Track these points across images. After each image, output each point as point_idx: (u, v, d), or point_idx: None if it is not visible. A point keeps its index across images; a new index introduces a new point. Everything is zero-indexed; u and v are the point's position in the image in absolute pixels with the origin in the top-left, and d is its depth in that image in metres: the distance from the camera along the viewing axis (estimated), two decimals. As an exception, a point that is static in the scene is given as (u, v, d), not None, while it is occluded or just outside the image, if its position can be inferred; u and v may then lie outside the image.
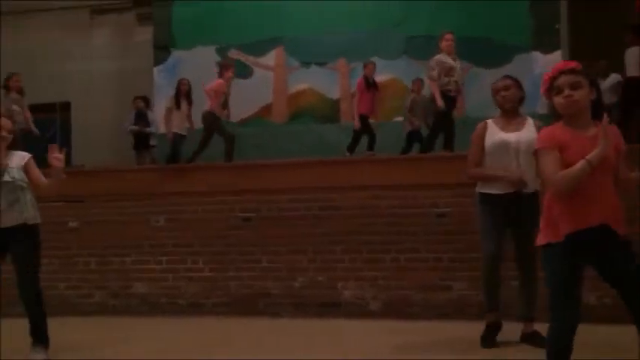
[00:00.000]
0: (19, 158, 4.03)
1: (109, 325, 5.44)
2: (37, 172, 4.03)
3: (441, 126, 6.73)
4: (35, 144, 7.91)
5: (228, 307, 5.69)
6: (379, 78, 8.40)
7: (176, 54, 9.66)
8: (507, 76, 4.14)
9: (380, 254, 5.45)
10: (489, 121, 4.05)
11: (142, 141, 9.06)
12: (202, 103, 7.62)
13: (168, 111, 7.91)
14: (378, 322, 5.18)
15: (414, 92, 8.28)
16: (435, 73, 6.61)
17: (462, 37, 7.38)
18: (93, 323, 5.51)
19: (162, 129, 8.93)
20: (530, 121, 4.00)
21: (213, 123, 7.25)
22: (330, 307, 5.50)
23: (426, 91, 7.79)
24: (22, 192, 3.97)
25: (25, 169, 4.01)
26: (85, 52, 10.47)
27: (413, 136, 7.98)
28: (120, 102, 10.24)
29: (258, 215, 5.76)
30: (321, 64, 9.41)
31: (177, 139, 7.69)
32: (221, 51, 9.46)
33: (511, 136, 3.92)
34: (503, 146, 3.92)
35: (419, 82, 8.21)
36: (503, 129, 3.97)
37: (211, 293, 5.75)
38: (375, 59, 8.37)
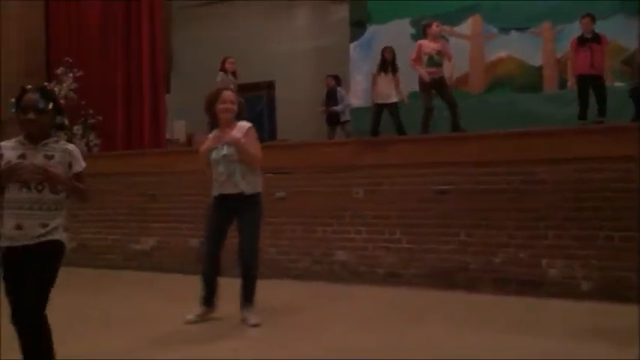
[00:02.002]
0: (239, 130, 4.32)
1: (313, 289, 5.80)
2: (251, 142, 4.30)
3: None
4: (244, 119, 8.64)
5: (425, 278, 5.72)
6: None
7: (372, 29, 9.80)
8: None
9: (591, 231, 5.05)
10: None
11: (333, 118, 9.35)
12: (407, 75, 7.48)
13: (374, 77, 7.78)
14: (586, 304, 4.84)
15: None
16: None
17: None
18: (300, 287, 5.92)
19: (357, 103, 9.15)
20: None
21: (423, 87, 7.04)
22: (532, 285, 5.26)
23: None
24: (238, 164, 4.25)
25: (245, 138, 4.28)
26: (286, 33, 11.10)
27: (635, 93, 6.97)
28: (318, 79, 10.70)
29: (456, 188, 5.67)
30: (521, 30, 8.87)
31: (379, 110, 7.57)
32: (416, 23, 9.38)
33: None
34: None
35: None
36: None
37: (409, 264, 5.82)
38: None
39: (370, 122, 7.52)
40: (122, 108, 8.89)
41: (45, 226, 2.61)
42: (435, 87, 7.03)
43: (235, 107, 4.35)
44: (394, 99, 7.50)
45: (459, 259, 5.59)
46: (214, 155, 4.32)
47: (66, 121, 2.51)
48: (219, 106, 4.32)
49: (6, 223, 2.61)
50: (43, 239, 2.61)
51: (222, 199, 4.33)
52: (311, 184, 6.35)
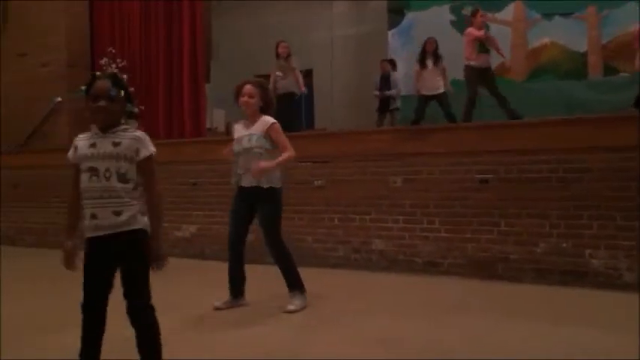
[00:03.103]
0: (262, 124, 4.35)
1: (351, 278, 5.81)
2: (280, 138, 4.34)
3: None
4: (288, 107, 8.66)
5: (464, 268, 5.67)
6: (636, 26, 7.42)
7: (410, 16, 9.69)
8: None
9: (635, 222, 4.92)
10: None
11: (384, 104, 9.29)
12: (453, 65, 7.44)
13: (417, 72, 7.72)
14: (631, 295, 4.72)
15: None
16: None
17: None
18: (337, 275, 5.94)
19: (405, 91, 9.08)
20: None
21: (469, 77, 7.01)
22: (575, 276, 5.17)
23: None
24: (259, 158, 4.27)
25: (268, 134, 4.32)
26: (325, 21, 11.07)
27: None
28: (357, 67, 10.66)
29: (497, 177, 5.59)
30: (565, 15, 8.64)
31: (423, 101, 7.54)
32: (455, 9, 9.24)
33: None
34: None
35: None
36: None
37: (447, 254, 5.78)
38: (631, 5, 7.42)
39: (415, 112, 7.47)
40: (163, 97, 9.04)
41: (119, 214, 2.55)
42: (481, 76, 6.94)
43: (256, 100, 4.37)
44: (441, 89, 7.43)
45: (499, 249, 5.52)
46: (236, 147, 4.40)
47: (136, 110, 2.55)
48: (240, 100, 4.38)
49: (85, 214, 2.61)
50: (119, 230, 2.56)
51: (242, 190, 4.40)
52: (349, 173, 6.35)
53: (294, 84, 8.26)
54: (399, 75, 9.50)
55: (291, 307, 4.35)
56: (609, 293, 4.83)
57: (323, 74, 11.10)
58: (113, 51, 8.81)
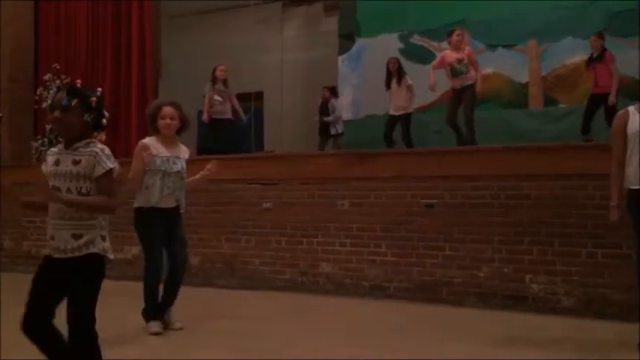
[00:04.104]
0: (185, 152, 4.49)
1: (297, 301, 5.77)
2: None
3: None
4: (231, 131, 8.64)
5: (410, 292, 5.72)
6: (573, 59, 7.80)
7: (360, 42, 9.84)
8: None
9: (574, 248, 5.10)
10: (629, 109, 3.82)
11: (325, 129, 9.43)
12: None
13: (391, 93, 7.85)
14: (569, 320, 4.87)
15: None
16: None
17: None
18: (283, 298, 5.89)
19: (348, 116, 9.21)
20: None
21: (449, 99, 7.14)
22: (516, 300, 5.29)
23: None
24: (182, 182, 4.40)
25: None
26: (276, 43, 11.13)
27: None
28: (307, 90, 10.74)
29: (442, 202, 5.70)
30: (508, 47, 8.97)
31: (392, 122, 7.64)
32: (404, 38, 9.45)
33: None
34: None
35: None
36: None
37: (394, 277, 5.82)
38: (568, 39, 7.78)
39: (384, 134, 7.65)
40: (109, 115, 8.83)
41: (77, 237, 2.45)
42: (459, 97, 7.08)
43: (177, 122, 4.37)
44: (408, 110, 7.59)
45: (443, 273, 5.61)
46: (161, 166, 4.29)
47: (104, 121, 2.43)
48: (161, 122, 4.34)
49: (48, 232, 2.52)
50: (78, 254, 2.45)
51: (158, 211, 4.31)
52: (297, 196, 6.36)
53: (229, 110, 8.32)
54: (340, 101, 9.65)
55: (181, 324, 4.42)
56: (547, 317, 4.96)
57: (273, 97, 11.13)
58: (58, 67, 8.59)
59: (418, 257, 5.73)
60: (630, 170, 3.75)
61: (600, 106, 6.97)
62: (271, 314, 5.06)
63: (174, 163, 4.33)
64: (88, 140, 2.55)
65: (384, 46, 9.33)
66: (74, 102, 2.49)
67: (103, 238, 2.54)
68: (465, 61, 7.09)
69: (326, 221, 6.16)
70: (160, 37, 10.14)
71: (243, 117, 8.65)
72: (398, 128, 7.76)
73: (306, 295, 6.02)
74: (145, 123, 8.67)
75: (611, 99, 6.81)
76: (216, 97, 8.32)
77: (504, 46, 8.96)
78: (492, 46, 9.03)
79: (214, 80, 8.38)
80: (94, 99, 2.57)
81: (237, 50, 10.72)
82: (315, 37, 10.98)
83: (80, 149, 2.51)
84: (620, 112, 3.91)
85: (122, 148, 8.75)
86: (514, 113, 8.70)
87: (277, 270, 6.32)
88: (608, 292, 4.93)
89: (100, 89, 2.68)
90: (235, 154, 7.39)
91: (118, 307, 5.05)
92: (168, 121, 4.32)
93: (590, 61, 7.13)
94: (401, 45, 9.25)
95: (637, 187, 3.72)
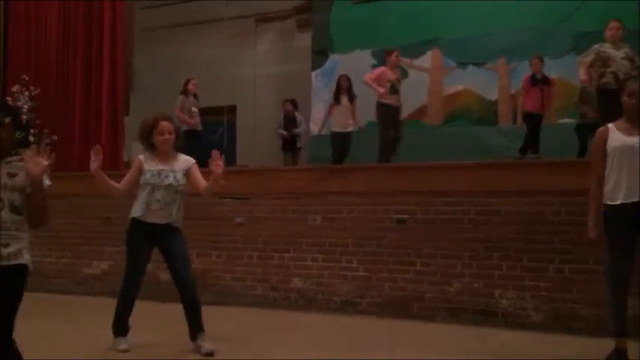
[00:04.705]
0: (184, 162, 4.29)
1: (268, 317, 5.74)
2: (198, 177, 4.25)
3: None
4: (204, 144, 8.61)
5: (381, 307, 5.73)
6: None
7: (334, 58, 9.92)
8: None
9: (542, 263, 5.18)
10: (610, 126, 3.86)
11: (289, 143, 9.37)
12: (366, 103, 7.58)
13: (330, 107, 7.87)
14: (538, 335, 4.93)
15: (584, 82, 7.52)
16: (587, 59, 6.02)
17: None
18: (255, 314, 5.84)
19: (317, 131, 9.22)
20: None
21: (383, 114, 7.16)
22: (486, 315, 5.34)
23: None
24: (181, 196, 4.24)
25: (187, 173, 4.26)
26: (250, 58, 11.14)
27: (584, 131, 7.26)
28: (280, 105, 10.74)
29: (413, 217, 5.74)
30: (478, 65, 9.14)
31: (338, 138, 7.66)
32: (377, 54, 9.55)
33: (629, 140, 3.71)
34: (628, 150, 3.69)
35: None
36: (627, 133, 3.76)
37: (365, 293, 5.83)
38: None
39: (332, 151, 7.61)
40: (79, 128, 8.73)
41: (5, 246, 2.49)
42: (391, 115, 7.17)
43: (174, 137, 4.28)
44: (351, 128, 7.62)
45: (414, 289, 5.63)
46: (150, 179, 4.22)
47: (31, 138, 2.40)
48: (159, 138, 4.22)
49: None
50: (5, 263, 2.48)
51: (148, 225, 4.22)
52: (269, 210, 6.34)
53: (199, 121, 8.33)
54: (314, 116, 9.65)
55: (210, 348, 4.18)
56: (518, 332, 5.01)
57: (246, 111, 11.11)
58: (26, 78, 8.45)
59: (389, 272, 5.75)
60: (609, 187, 3.79)
61: (539, 124, 7.16)
62: (242, 330, 5.01)
63: (166, 177, 4.20)
64: (20, 156, 2.61)
65: (358, 62, 9.41)
66: (7, 119, 2.57)
67: (27, 250, 2.59)
68: (399, 81, 7.30)
69: (298, 236, 6.15)
70: (132, 49, 10.07)
71: (192, 122, 8.65)
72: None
73: (277, 310, 5.98)
74: (116, 135, 8.70)
75: (550, 119, 7.24)
76: (194, 109, 8.31)
77: (475, 64, 9.13)
78: (463, 64, 9.20)
79: (186, 93, 8.36)
80: (24, 117, 2.64)
81: (211, 64, 10.69)
82: (288, 52, 11.01)
83: (15, 163, 2.58)
84: (601, 129, 3.92)
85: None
86: (484, 130, 8.84)
87: (249, 285, 6.28)
88: (576, 307, 5.01)
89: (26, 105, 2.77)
90: (207, 168, 7.34)
91: (87, 322, 4.97)
92: (167, 136, 4.22)
93: (536, 82, 7.30)
94: (374, 61, 9.34)
95: (615, 203, 3.76)
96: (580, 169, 5.37)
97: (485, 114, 9.03)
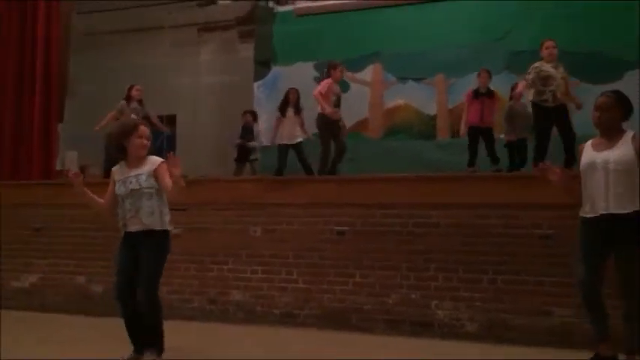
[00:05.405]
0: (150, 164, 4.08)
1: (205, 331, 5.63)
2: (165, 178, 3.98)
3: (541, 140, 6.30)
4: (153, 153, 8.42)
5: (320, 319, 5.72)
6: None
7: (276, 70, 9.94)
8: (606, 94, 3.94)
9: (477, 274, 5.30)
10: (587, 143, 3.96)
11: (243, 154, 9.34)
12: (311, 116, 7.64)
13: (278, 120, 7.92)
14: (473, 345, 5.02)
15: (512, 99, 7.83)
16: (529, 77, 6.19)
17: (570, 51, 7.11)
18: (190, 328, 5.72)
19: (266, 141, 9.21)
20: (628, 137, 3.79)
21: (325, 126, 7.22)
22: (423, 326, 5.41)
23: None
24: (147, 199, 4.02)
25: (155, 174, 4.03)
26: (192, 67, 11.01)
27: (512, 148, 7.54)
28: (221, 115, 10.65)
29: (353, 229, 5.77)
30: (418, 80, 9.35)
31: (282, 150, 7.72)
32: (319, 67, 9.62)
33: (600, 156, 3.78)
34: (592, 166, 3.79)
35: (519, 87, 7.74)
36: (597, 148, 3.85)
37: (305, 305, 5.81)
38: (473, 75, 8.17)
39: (277, 162, 7.66)
40: (10, 134, 8.38)
41: None
42: (334, 127, 7.25)
43: (149, 144, 4.14)
44: (299, 139, 7.67)
45: (353, 300, 5.65)
46: (118, 190, 4.09)
47: None
48: (137, 141, 4.05)
49: None
50: None
51: (130, 234, 4.09)
52: (209, 222, 6.25)
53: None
54: (259, 127, 9.65)
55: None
56: (453, 343, 5.10)
57: (186, 120, 10.96)
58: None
59: (329, 284, 5.75)
60: (583, 201, 3.89)
61: (479, 139, 7.35)
62: (178, 344, 4.88)
63: (130, 183, 4.03)
64: None
65: (300, 74, 9.47)
66: None
67: None
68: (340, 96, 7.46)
69: (238, 248, 6.08)
70: (68, 54, 9.76)
71: (165, 128, 8.49)
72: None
73: (215, 324, 5.88)
74: (49, 142, 8.38)
75: (508, 138, 7.34)
76: (133, 116, 8.10)
77: (415, 79, 9.34)
78: (403, 79, 9.40)
79: (129, 99, 8.15)
80: None
81: (151, 72, 10.49)
82: (230, 62, 10.95)
83: None
84: (580, 146, 4.02)
85: (23, 170, 8.29)
86: (423, 144, 9.04)
87: (185, 298, 6.15)
88: (508, 317, 5.14)
89: None
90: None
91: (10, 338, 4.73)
92: (145, 141, 4.06)
93: (479, 96, 7.51)
94: (316, 73, 9.41)
95: (584, 216, 3.86)
96: (513, 183, 5.59)
97: (425, 128, 9.24)
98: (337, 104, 7.40)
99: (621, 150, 3.71)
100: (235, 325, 5.81)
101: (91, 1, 10.65)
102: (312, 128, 7.81)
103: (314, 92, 7.33)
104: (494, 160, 7.27)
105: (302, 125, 7.82)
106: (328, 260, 5.78)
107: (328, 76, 7.48)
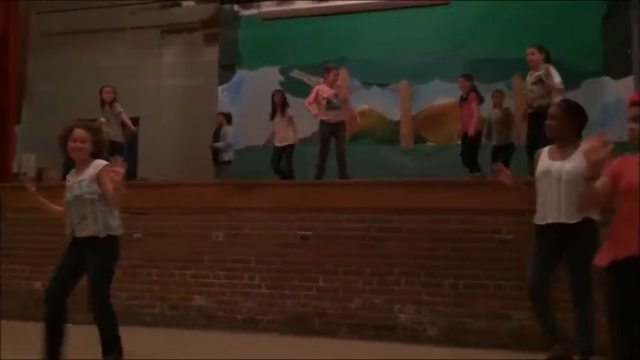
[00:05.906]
0: (93, 168, 4.00)
1: (166, 337, 5.54)
2: (107, 182, 3.90)
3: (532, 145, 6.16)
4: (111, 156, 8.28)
5: (283, 324, 5.70)
6: (440, 101, 8.34)
7: (241, 73, 9.90)
8: (558, 103, 4.05)
9: (438, 279, 5.36)
10: (545, 149, 4.03)
11: (213, 156, 9.26)
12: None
13: (272, 124, 8.04)
14: (434, 349, 5.07)
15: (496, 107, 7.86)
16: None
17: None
18: (151, 334, 5.63)
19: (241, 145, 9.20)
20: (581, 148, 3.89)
21: (323, 130, 7.29)
22: (386, 330, 5.43)
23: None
24: (91, 205, 3.95)
25: (97, 179, 3.95)
26: (154, 69, 10.86)
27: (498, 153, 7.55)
28: (185, 118, 10.55)
29: (316, 234, 5.77)
30: (382, 86, 9.43)
31: (275, 152, 7.81)
32: (284, 71, 9.62)
33: (555, 165, 3.86)
34: (546, 174, 3.87)
35: (498, 95, 7.84)
36: (552, 156, 3.93)
37: (268, 310, 5.77)
38: (436, 82, 8.31)
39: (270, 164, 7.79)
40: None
41: None
42: (333, 131, 7.26)
43: (88, 146, 4.03)
44: (291, 141, 7.71)
45: (316, 305, 5.65)
46: (68, 196, 4.03)
47: None
48: (71, 145, 4.01)
49: None
50: None
51: (78, 240, 4.01)
52: (170, 226, 6.16)
53: (118, 132, 8.00)
54: (230, 128, 9.58)
55: None
56: (414, 347, 5.14)
57: (149, 123, 10.77)
58: None
59: (292, 289, 5.73)
60: (537, 207, 3.94)
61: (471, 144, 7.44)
62: (140, 351, 4.79)
63: (73, 189, 3.98)
64: None
65: (265, 78, 9.46)
66: None
67: None
68: (340, 97, 7.37)
69: (200, 253, 6.01)
70: (26, 54, 9.51)
71: (133, 128, 8.38)
72: None
73: (176, 329, 5.80)
74: (5, 144, 8.13)
75: (470, 132, 7.31)
76: (102, 119, 7.96)
77: (379, 85, 9.42)
78: (368, 84, 9.47)
79: (102, 103, 8.05)
80: None
81: (113, 73, 10.30)
82: (195, 65, 10.85)
83: None
84: (537, 152, 4.09)
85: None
86: (386, 149, 9.13)
87: (146, 304, 6.05)
88: (468, 321, 5.21)
89: None
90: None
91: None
92: (77, 144, 3.98)
93: (461, 102, 7.62)
94: (281, 78, 9.42)
95: (536, 223, 3.94)
96: (474, 189, 5.67)
97: (389, 134, 9.32)
98: (332, 106, 7.33)
99: (575, 162, 3.76)
100: (197, 331, 5.74)
101: (50, 1, 10.40)
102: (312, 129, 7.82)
103: (305, 103, 7.44)
104: (465, 164, 7.37)
105: (291, 125, 7.86)
106: (292, 265, 5.76)
107: (324, 80, 7.51)
